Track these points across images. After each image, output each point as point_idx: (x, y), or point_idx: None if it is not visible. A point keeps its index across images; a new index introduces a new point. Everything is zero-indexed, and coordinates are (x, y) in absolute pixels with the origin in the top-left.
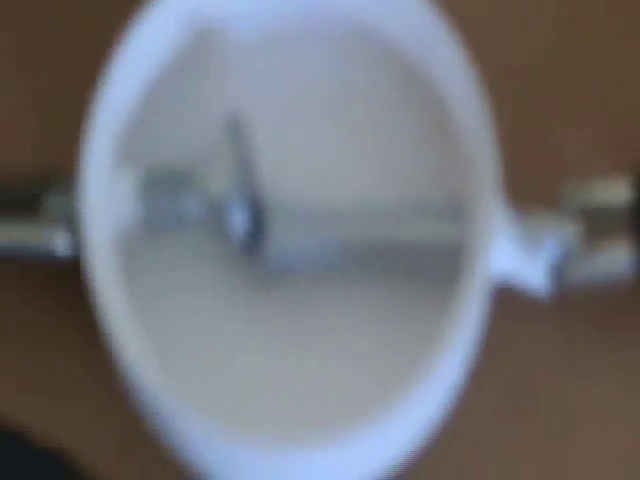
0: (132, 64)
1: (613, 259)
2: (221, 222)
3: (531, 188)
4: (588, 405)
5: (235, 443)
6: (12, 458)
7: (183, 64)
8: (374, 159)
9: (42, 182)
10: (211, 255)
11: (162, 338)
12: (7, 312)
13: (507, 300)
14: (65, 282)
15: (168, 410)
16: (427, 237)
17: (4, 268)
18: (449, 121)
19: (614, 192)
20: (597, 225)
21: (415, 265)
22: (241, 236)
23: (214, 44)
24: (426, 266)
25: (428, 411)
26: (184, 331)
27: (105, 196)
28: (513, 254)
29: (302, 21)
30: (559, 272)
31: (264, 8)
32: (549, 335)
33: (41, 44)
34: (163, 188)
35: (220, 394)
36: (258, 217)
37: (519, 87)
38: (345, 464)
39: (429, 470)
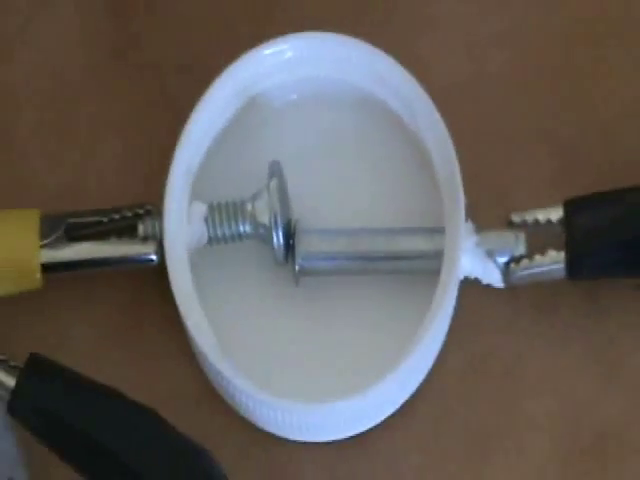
0: (202, 124)
1: (549, 263)
2: (266, 240)
3: (490, 210)
4: (529, 363)
5: (277, 400)
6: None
7: (237, 123)
8: (377, 191)
9: (139, 210)
10: (259, 263)
11: (222, 325)
12: (115, 304)
13: (471, 289)
14: (154, 282)
15: (227, 377)
16: (416, 247)
17: (110, 273)
18: (431, 164)
19: (551, 214)
20: (537, 238)
21: (407, 267)
22: (280, 250)
23: (260, 108)
24: (413, 267)
25: (419, 369)
26: (239, 318)
27: (182, 221)
28: (476, 258)
29: (323, 90)
30: (509, 272)
31: (296, 81)
32: (502, 314)
33: (141, 118)
34: (224, 216)
35: (266, 364)
36: (291, 236)
37: (482, 138)
38: (360, 412)
39: (410, 419)
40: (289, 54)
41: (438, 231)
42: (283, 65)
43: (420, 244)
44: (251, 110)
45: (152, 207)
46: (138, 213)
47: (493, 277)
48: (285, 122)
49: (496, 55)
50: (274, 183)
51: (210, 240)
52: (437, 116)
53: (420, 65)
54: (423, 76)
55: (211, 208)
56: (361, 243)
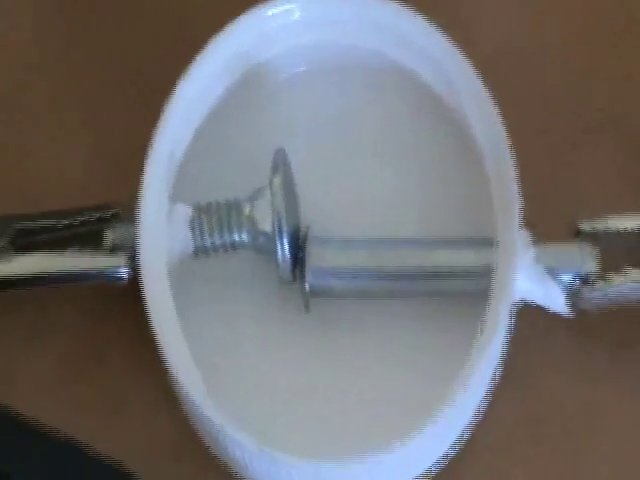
0: (188, 102)
1: (627, 284)
2: (267, 252)
3: (552, 217)
4: (602, 416)
5: (273, 455)
6: (74, 471)
7: (233, 101)
8: (404, 188)
9: (106, 213)
10: (257, 282)
11: (210, 359)
12: (75, 330)
13: (528, 317)
14: (124, 304)
15: (211, 422)
16: (458, 263)
17: (69, 292)
18: (474, 157)
19: (629, 222)
20: (611, 254)
21: (446, 288)
22: (285, 264)
23: (261, 82)
24: (454, 288)
25: (459, 423)
26: (232, 351)
27: (161, 227)
28: (535, 278)
29: (339, 60)
30: (577, 295)
31: (305, 48)
32: (567, 349)
33: (103, 91)
34: (214, 221)
35: (261, 406)
36: (300, 247)
37: (539, 125)
38: (379, 475)
39: (455, 471)
40: (297, 15)
41: (486, 243)
42: (290, 28)
43: (463, 259)
44: (250, 85)
45: (122, 209)
46: (104, 217)
47: (556, 301)
48: (292, 100)
49: (556, 19)
50: (278, 179)
51: (196, 251)
52: (485, 95)
53: (462, 30)
54: (466, 44)
55: (198, 210)
56: (387, 257)
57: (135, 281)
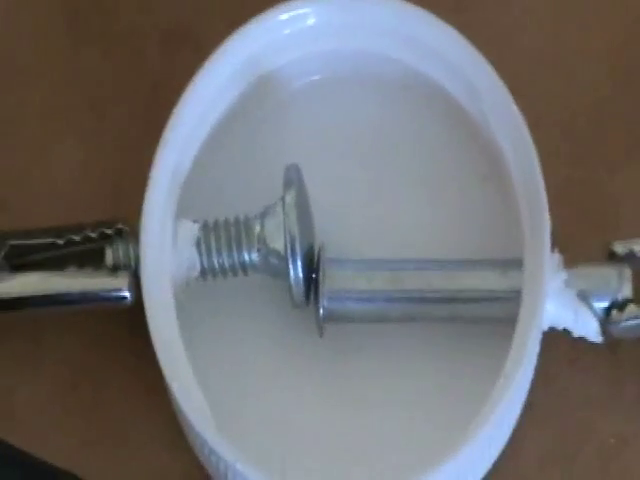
0: (195, 112)
1: None
2: (279, 273)
3: (584, 238)
4: (636, 451)
5: None
6: None
7: (242, 112)
8: (425, 205)
9: (107, 230)
10: (269, 305)
11: (218, 389)
12: (75, 357)
13: (559, 345)
14: (127, 328)
15: (225, 460)
16: (484, 286)
17: (68, 314)
18: (500, 172)
19: None
20: None
21: (471, 313)
22: (298, 287)
23: (272, 91)
24: (480, 313)
25: (487, 453)
26: (241, 380)
27: (165, 246)
28: (565, 303)
29: (355, 68)
30: (610, 322)
31: (320, 56)
32: (599, 380)
33: (108, 101)
34: (222, 240)
35: (272, 441)
36: (314, 268)
37: (569, 137)
38: None
39: None
40: (312, 20)
41: (514, 265)
42: (304, 34)
43: (489, 282)
44: (261, 94)
45: (124, 226)
46: (106, 234)
47: (588, 328)
48: (306, 111)
49: (592, 27)
50: (291, 195)
51: (203, 272)
52: (514, 108)
53: (489, 39)
54: (494, 54)
55: (205, 229)
56: (408, 279)
57: (138, 304)
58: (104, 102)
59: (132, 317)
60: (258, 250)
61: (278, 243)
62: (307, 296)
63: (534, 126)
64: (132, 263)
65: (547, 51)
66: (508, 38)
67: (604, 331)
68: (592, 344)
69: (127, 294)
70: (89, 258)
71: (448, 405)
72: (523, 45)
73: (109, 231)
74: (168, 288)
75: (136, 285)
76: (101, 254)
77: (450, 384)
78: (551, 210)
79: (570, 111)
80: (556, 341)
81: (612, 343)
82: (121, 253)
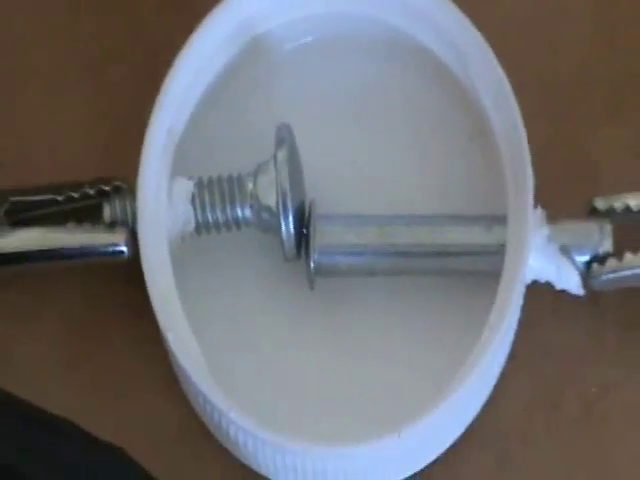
0: (189, 72)
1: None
2: (271, 229)
3: (566, 194)
4: (616, 399)
5: (280, 441)
6: (77, 451)
7: (235, 72)
8: (413, 163)
9: (105, 187)
10: (261, 259)
11: (212, 339)
12: (74, 310)
13: (542, 297)
14: (124, 282)
15: (219, 408)
16: (469, 241)
17: (67, 268)
18: (485, 131)
19: None
20: (628, 230)
21: (457, 266)
22: (290, 241)
23: (265, 52)
24: (465, 266)
25: (473, 402)
26: (234, 331)
27: (161, 202)
28: (548, 257)
29: (343, 28)
30: (591, 275)
31: (311, 18)
32: (581, 330)
33: (103, 63)
34: (216, 196)
35: (265, 391)
36: (305, 224)
37: (551, 97)
38: (392, 457)
39: (465, 458)
40: None
41: (498, 220)
42: None
43: (474, 236)
44: (253, 55)
45: (121, 183)
46: (103, 191)
47: (570, 281)
48: (298, 72)
49: None
50: (283, 153)
51: (198, 227)
52: (498, 69)
53: (475, 1)
54: (478, 15)
55: (199, 185)
56: (395, 234)
57: (135, 258)
58: (102, 64)
59: (129, 271)
60: (251, 206)
61: (270, 199)
62: (298, 250)
63: (517, 87)
64: (129, 219)
65: (530, 13)
66: (492, 0)
67: (585, 284)
68: (574, 296)
69: (124, 249)
70: (87, 214)
71: (435, 356)
72: (506, 7)
73: (107, 188)
74: (164, 243)
75: (133, 240)
76: (99, 210)
77: (437, 335)
78: (534, 168)
79: (552, 72)
80: (539, 293)
81: (593, 295)
82: (118, 209)
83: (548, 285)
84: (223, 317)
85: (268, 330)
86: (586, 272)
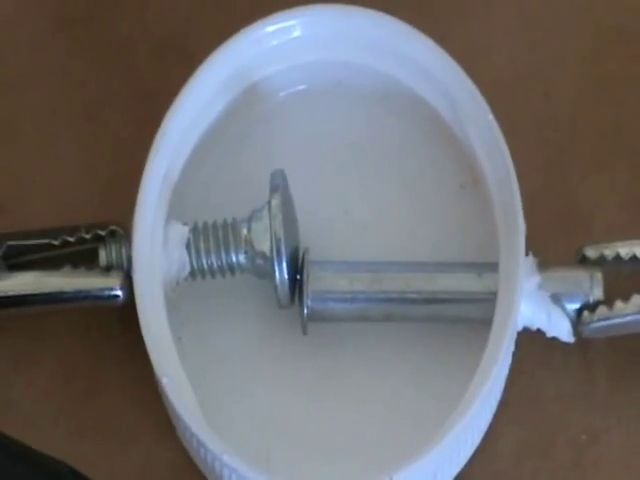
0: (185, 119)
1: (633, 312)
2: (265, 274)
3: (557, 242)
4: (605, 447)
5: None
6: None
7: (231, 119)
8: (405, 211)
9: (101, 232)
10: (255, 305)
11: (206, 384)
12: (70, 353)
13: (532, 345)
14: (119, 326)
15: (213, 452)
16: (461, 288)
17: (63, 312)
18: (477, 178)
19: (636, 248)
20: (619, 279)
21: (449, 313)
22: (284, 287)
23: (260, 100)
24: (457, 313)
25: (464, 447)
26: (228, 376)
27: (156, 247)
28: (539, 304)
29: (338, 76)
30: (582, 323)
31: (305, 66)
32: (571, 378)
33: (100, 107)
34: (211, 241)
35: (258, 434)
36: (299, 270)
37: (542, 146)
38: None
39: None
40: (297, 33)
41: (489, 268)
42: (290, 46)
43: (466, 284)
44: (249, 103)
45: (117, 228)
46: (99, 235)
47: (561, 329)
48: (292, 119)
49: (567, 40)
50: (277, 200)
51: (193, 272)
52: (490, 118)
53: (468, 51)
54: (472, 66)
55: (195, 231)
56: (387, 281)
57: (130, 303)
58: (98, 109)
59: (124, 315)
60: (245, 252)
61: (264, 245)
62: (292, 296)
63: (509, 135)
64: (124, 263)
65: (521, 62)
66: (484, 50)
67: (576, 331)
68: (564, 343)
69: (119, 293)
70: (83, 258)
71: (426, 401)
72: (498, 56)
73: (102, 233)
74: (159, 287)
75: (128, 284)
76: (95, 255)
77: (428, 381)
78: (525, 215)
79: (543, 121)
80: (530, 341)
81: (583, 342)
82: (114, 254)
83: (539, 333)
84: (217, 361)
85: (262, 374)
86: (576, 319)
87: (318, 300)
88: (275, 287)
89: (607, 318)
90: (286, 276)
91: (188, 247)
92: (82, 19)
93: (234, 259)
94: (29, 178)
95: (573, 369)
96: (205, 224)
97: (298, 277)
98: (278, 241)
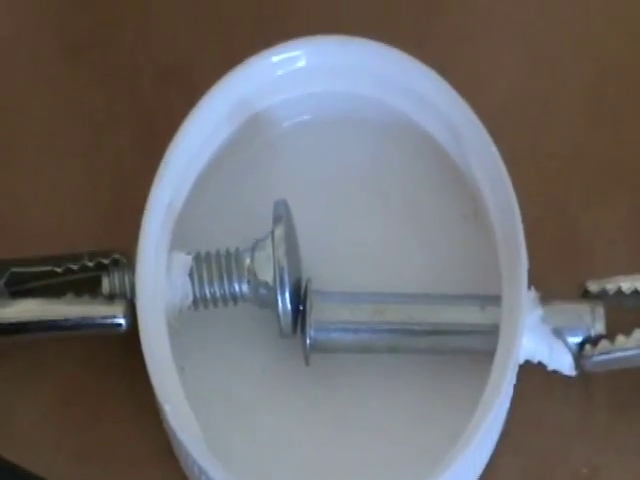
0: (189, 148)
1: (635, 347)
2: (268, 304)
3: (559, 276)
4: (609, 475)
5: None
6: None
7: (234, 149)
8: (408, 242)
9: (104, 260)
10: (258, 334)
11: (209, 415)
12: (72, 380)
13: (534, 377)
14: (122, 354)
15: (212, 479)
16: (463, 320)
17: (65, 340)
18: (480, 211)
19: (636, 284)
20: (621, 313)
21: (451, 345)
22: (286, 317)
23: (263, 130)
24: (459, 345)
25: (465, 479)
26: (231, 406)
27: (160, 276)
28: (541, 338)
29: (341, 106)
30: (583, 357)
31: (309, 97)
32: (572, 411)
33: (104, 137)
34: (214, 271)
35: (260, 463)
36: (302, 300)
37: (544, 178)
38: None
39: None
40: (302, 63)
41: (492, 300)
42: (295, 76)
43: (468, 316)
44: (252, 132)
45: (120, 256)
46: (102, 263)
47: (562, 362)
48: (296, 149)
49: (567, 70)
50: (280, 230)
51: (195, 302)
52: (494, 150)
53: (469, 81)
54: (473, 95)
55: (197, 260)
56: (390, 312)
57: (133, 331)
58: (101, 134)
59: (127, 342)
60: (248, 281)
61: (267, 275)
62: (294, 326)
63: (510, 165)
64: (127, 292)
65: (525, 96)
66: (486, 81)
67: (577, 365)
68: (566, 377)
69: (122, 321)
70: (86, 286)
71: (428, 433)
72: (502, 90)
73: (106, 261)
74: (162, 316)
75: (131, 313)
76: (98, 283)
77: (430, 413)
78: (528, 249)
79: (546, 153)
80: (531, 373)
81: (585, 376)
82: (117, 282)
83: (541, 365)
84: (219, 389)
85: (264, 403)
86: (578, 353)
87: (321, 330)
88: (278, 317)
89: (609, 352)
90: (289, 306)
91: (191, 276)
92: (85, 45)
93: (237, 288)
94: (31, 204)
95: (574, 401)
96: (208, 253)
97: (301, 307)
98: (281, 270)
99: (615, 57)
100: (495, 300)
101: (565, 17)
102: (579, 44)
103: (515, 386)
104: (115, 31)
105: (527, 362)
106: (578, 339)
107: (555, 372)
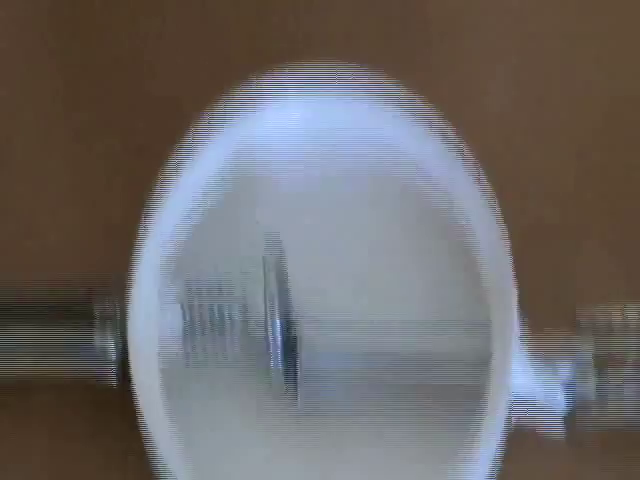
0: (180, 189)
1: (624, 412)
2: (258, 357)
3: (548, 308)
4: None
5: None
6: None
7: (227, 188)
8: (399, 275)
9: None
10: (248, 389)
11: (204, 463)
12: (65, 434)
13: (523, 436)
14: (118, 407)
15: None
16: (449, 349)
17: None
18: (470, 240)
19: (626, 314)
20: (610, 346)
21: (436, 377)
22: (276, 349)
23: (253, 168)
24: (449, 377)
25: None
26: (221, 440)
27: (152, 331)
28: (529, 368)
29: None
30: (574, 421)
31: (303, 137)
32: (561, 467)
33: (97, 163)
34: (206, 326)
35: None
36: (292, 330)
37: (537, 213)
38: None
39: None
40: (296, 120)
41: (480, 332)
42: (288, 134)
43: (459, 345)
44: (242, 170)
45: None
46: (92, 318)
47: (552, 395)
48: (288, 182)
49: (554, 95)
50: (272, 262)
51: (188, 363)
52: (484, 204)
53: (458, 106)
54: (467, 123)
55: (191, 310)
56: (381, 341)
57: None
58: (93, 160)
59: (120, 399)
60: (239, 311)
61: (258, 306)
62: (285, 357)
63: (502, 193)
64: (119, 352)
65: (516, 137)
66: (473, 104)
67: (568, 429)
68: (557, 438)
69: (114, 384)
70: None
71: (419, 470)
72: (488, 111)
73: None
74: (156, 371)
75: (123, 369)
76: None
77: (424, 444)
78: (517, 279)
79: (538, 181)
80: (522, 436)
81: (576, 438)
82: (109, 337)
83: (530, 401)
84: (215, 442)
85: (258, 452)
86: (570, 418)
87: (311, 361)
88: (268, 348)
89: (598, 419)
90: (279, 337)
91: (184, 335)
92: (79, 71)
93: (227, 324)
94: (21, 229)
95: (564, 464)
96: (201, 306)
97: (291, 339)
98: (272, 302)
99: (603, 85)
100: (486, 330)
101: (552, 45)
102: (583, 85)
103: (506, 452)
104: (106, 58)
105: (518, 398)
106: (568, 371)
107: (546, 434)
